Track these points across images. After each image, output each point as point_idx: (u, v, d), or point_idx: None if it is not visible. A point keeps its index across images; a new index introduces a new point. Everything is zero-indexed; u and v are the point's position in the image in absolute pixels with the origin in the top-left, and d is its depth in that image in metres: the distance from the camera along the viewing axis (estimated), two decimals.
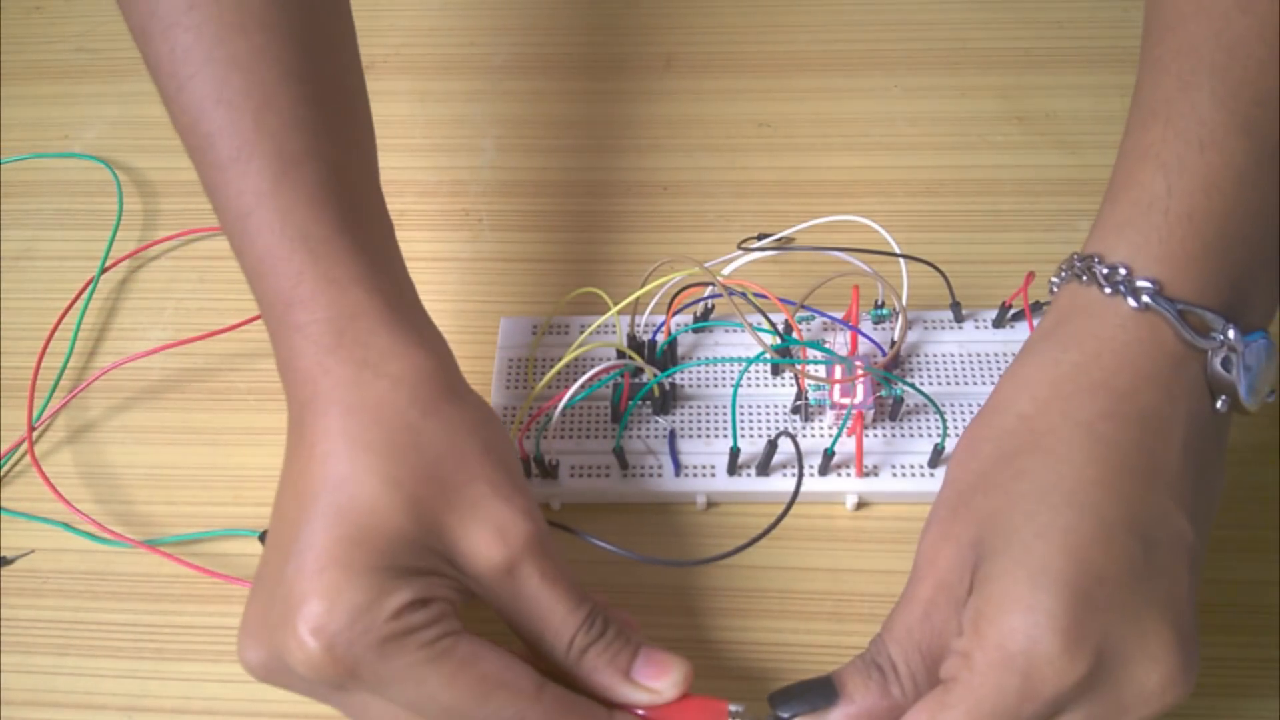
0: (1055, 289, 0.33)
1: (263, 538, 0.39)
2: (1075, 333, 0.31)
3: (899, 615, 0.30)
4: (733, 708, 0.31)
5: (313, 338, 0.30)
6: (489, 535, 0.29)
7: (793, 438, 0.35)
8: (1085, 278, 0.31)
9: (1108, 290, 0.30)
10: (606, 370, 0.38)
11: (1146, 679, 0.27)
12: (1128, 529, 0.28)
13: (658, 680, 0.30)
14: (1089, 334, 0.30)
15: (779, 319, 0.41)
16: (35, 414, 0.43)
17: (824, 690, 0.30)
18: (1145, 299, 0.29)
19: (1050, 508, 0.28)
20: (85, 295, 0.46)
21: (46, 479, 0.40)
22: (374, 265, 0.31)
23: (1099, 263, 0.30)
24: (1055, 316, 0.32)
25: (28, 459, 0.42)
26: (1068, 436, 0.29)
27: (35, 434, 0.43)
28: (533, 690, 0.29)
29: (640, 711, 0.31)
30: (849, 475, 0.39)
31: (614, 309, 0.40)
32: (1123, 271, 0.30)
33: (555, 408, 0.37)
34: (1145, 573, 0.28)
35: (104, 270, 0.47)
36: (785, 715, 0.30)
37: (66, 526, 0.40)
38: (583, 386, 0.36)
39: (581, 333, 0.42)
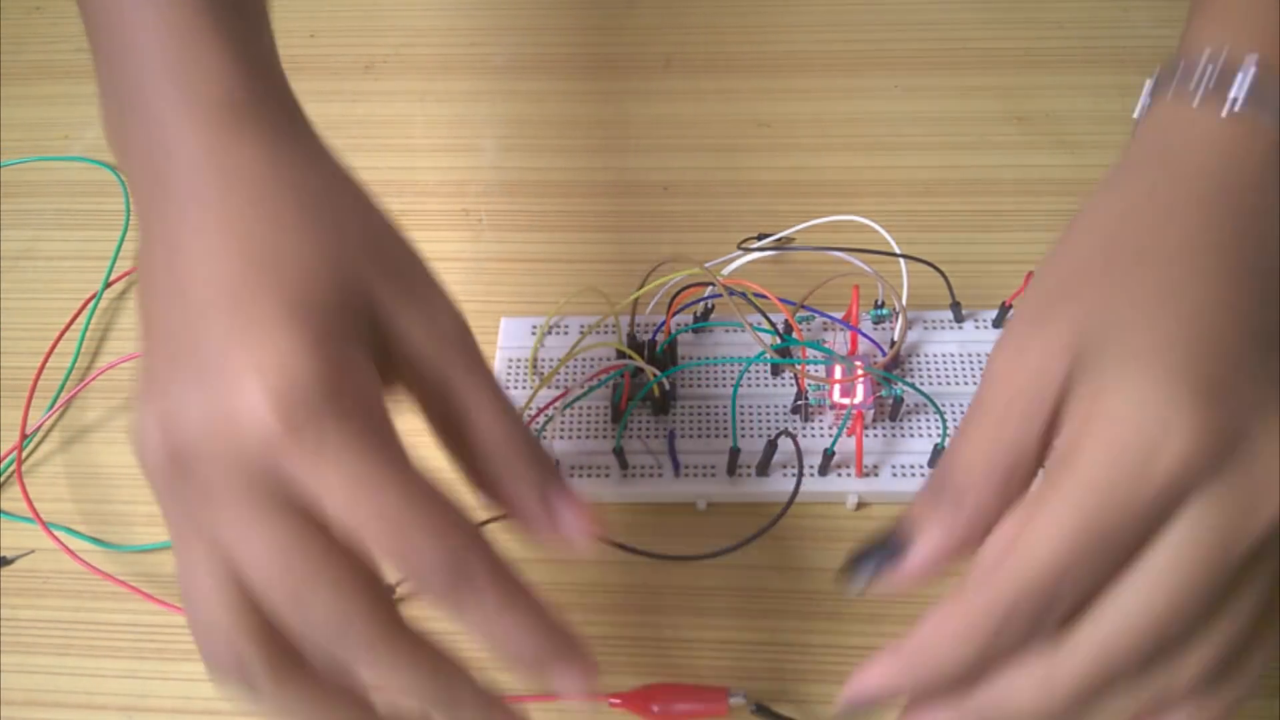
0: (1143, 111, 0.29)
1: None
2: (1166, 148, 0.28)
3: (965, 435, 0.26)
4: (734, 698, 0.32)
5: (221, 103, 0.27)
6: (423, 315, 0.27)
7: (793, 437, 0.35)
8: (1174, 88, 0.28)
9: (1200, 93, 0.27)
10: (606, 370, 0.38)
11: None
12: (1256, 304, 0.25)
13: (572, 520, 0.27)
14: (1182, 146, 0.27)
15: (779, 319, 0.41)
16: (33, 430, 0.43)
17: (891, 541, 0.26)
18: (1243, 92, 0.27)
19: (1168, 284, 0.25)
20: (89, 310, 0.46)
21: (29, 499, 0.40)
22: (271, 56, 0.29)
23: (1194, 61, 0.27)
24: (1143, 143, 0.28)
25: (28, 462, 0.42)
26: (1177, 237, 0.26)
27: (34, 441, 0.43)
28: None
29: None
30: (849, 475, 0.39)
31: (615, 309, 0.40)
32: (1217, 63, 0.27)
33: (555, 408, 0.37)
34: (1275, 349, 0.25)
35: (108, 284, 0.47)
36: (858, 580, 0.27)
37: (69, 530, 0.40)
38: (582, 386, 0.36)
39: (581, 333, 0.42)
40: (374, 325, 0.26)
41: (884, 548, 0.27)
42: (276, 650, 0.25)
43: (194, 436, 0.24)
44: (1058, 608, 0.24)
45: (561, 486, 0.27)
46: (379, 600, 0.25)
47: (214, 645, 0.25)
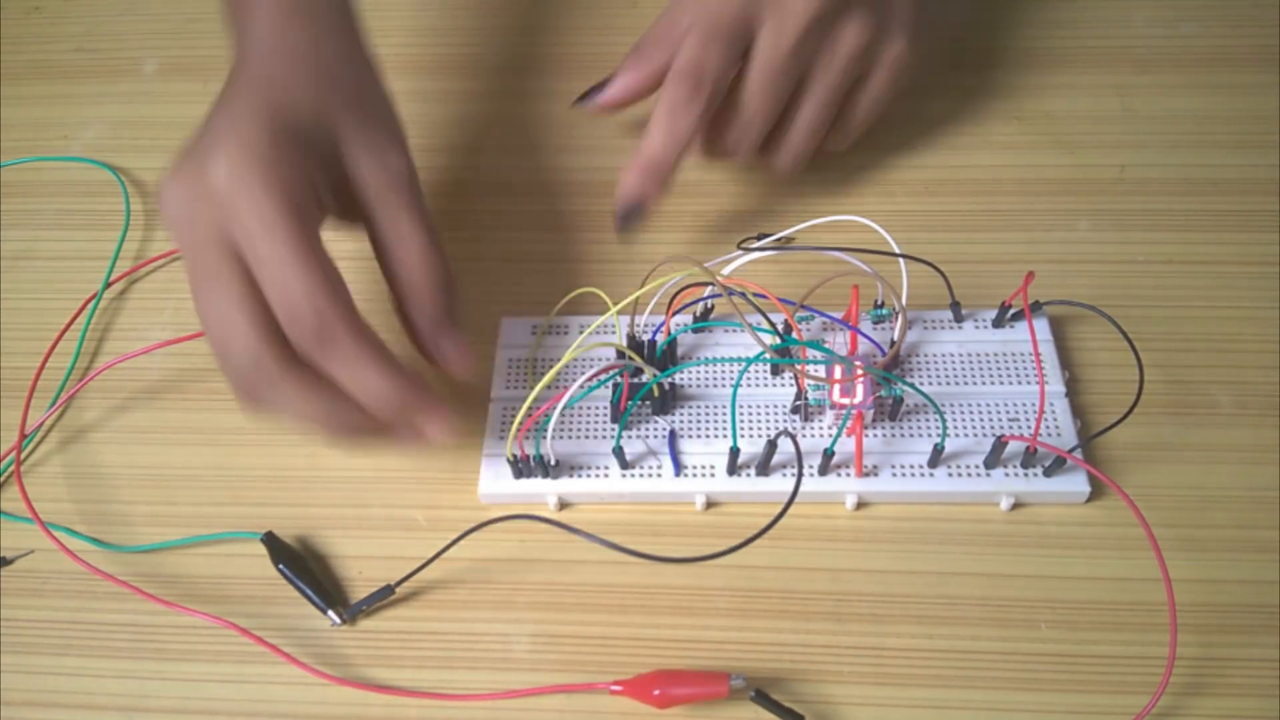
0: None
1: (265, 539, 0.39)
2: None
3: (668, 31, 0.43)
4: (735, 681, 0.34)
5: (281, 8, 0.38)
6: (376, 154, 0.36)
7: (793, 437, 0.35)
8: None
9: None
10: (606, 370, 0.38)
11: None
12: None
13: (455, 358, 0.37)
14: None
15: (779, 319, 0.41)
16: (33, 430, 0.43)
17: (602, 83, 0.45)
18: None
19: None
20: (89, 310, 0.46)
21: (28, 499, 0.40)
22: None
23: None
24: None
25: (27, 462, 0.42)
26: None
27: (32, 441, 0.43)
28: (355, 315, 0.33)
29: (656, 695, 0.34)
30: (849, 475, 0.39)
31: (613, 309, 0.40)
32: None
33: (555, 408, 0.37)
34: None
35: (108, 284, 0.47)
36: (585, 103, 0.45)
37: (69, 531, 0.40)
38: (582, 386, 0.36)
39: (581, 333, 0.42)
40: (334, 157, 0.36)
41: (597, 87, 0.45)
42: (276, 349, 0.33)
43: (190, 201, 0.33)
44: (705, 77, 0.40)
45: (451, 326, 0.37)
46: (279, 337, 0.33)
47: (235, 357, 0.33)
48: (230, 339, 0.32)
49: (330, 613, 0.37)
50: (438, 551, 0.37)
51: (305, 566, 0.38)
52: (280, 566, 0.38)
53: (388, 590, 0.37)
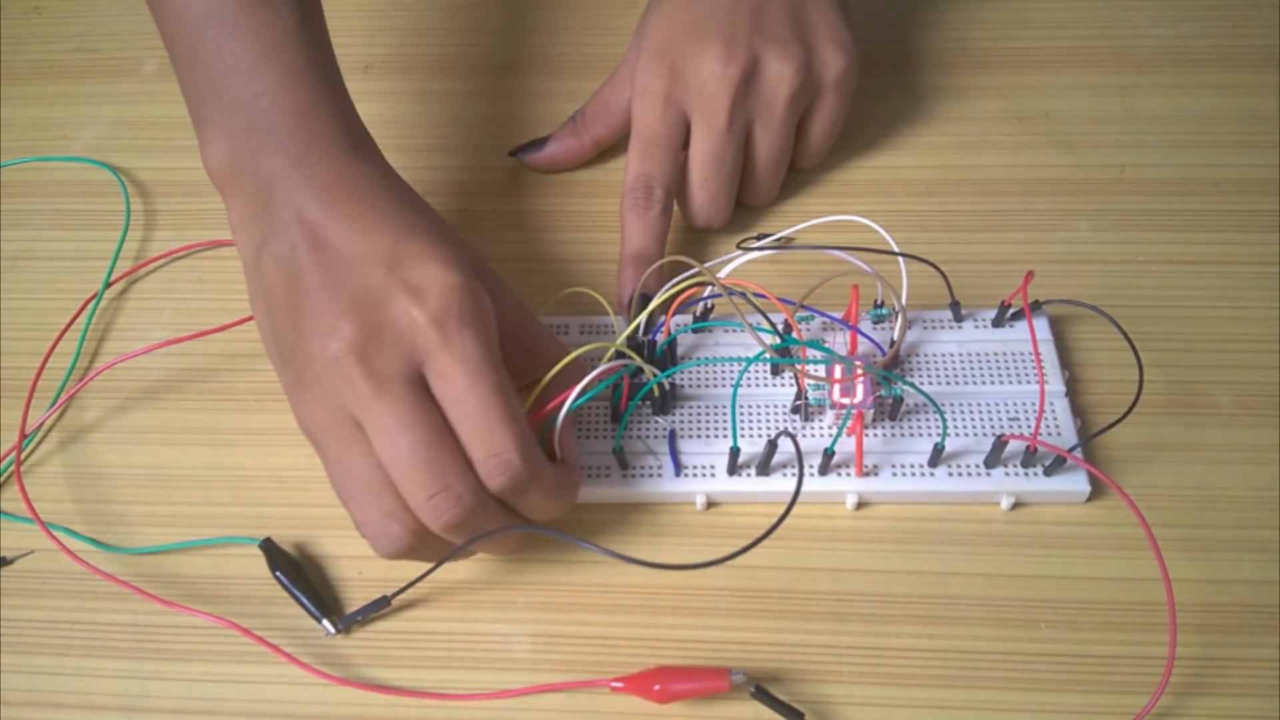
0: None
1: (263, 545, 0.38)
2: None
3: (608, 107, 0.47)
4: (735, 676, 0.34)
5: (341, 144, 0.36)
6: (504, 290, 0.37)
7: (793, 437, 0.35)
8: None
9: None
10: (608, 372, 0.38)
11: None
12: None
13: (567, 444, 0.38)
14: None
15: (779, 319, 0.41)
16: (33, 430, 0.43)
17: (540, 140, 0.49)
18: None
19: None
20: (89, 310, 0.46)
21: (28, 499, 0.40)
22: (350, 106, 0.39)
23: None
24: None
25: (27, 462, 0.42)
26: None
27: (32, 441, 0.43)
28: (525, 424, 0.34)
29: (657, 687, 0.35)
30: (849, 475, 0.39)
31: (614, 309, 0.40)
32: None
33: (558, 411, 0.36)
34: None
35: (108, 284, 0.47)
36: (520, 154, 0.49)
37: (69, 531, 0.40)
38: (584, 389, 0.36)
39: (581, 333, 0.42)
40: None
41: (535, 143, 0.49)
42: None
43: (370, 337, 0.32)
44: (654, 185, 0.44)
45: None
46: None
47: (454, 499, 0.32)
48: (445, 480, 0.32)
49: (325, 622, 0.37)
50: (434, 564, 0.36)
51: (302, 574, 0.38)
52: (277, 574, 0.38)
53: (384, 601, 0.37)
